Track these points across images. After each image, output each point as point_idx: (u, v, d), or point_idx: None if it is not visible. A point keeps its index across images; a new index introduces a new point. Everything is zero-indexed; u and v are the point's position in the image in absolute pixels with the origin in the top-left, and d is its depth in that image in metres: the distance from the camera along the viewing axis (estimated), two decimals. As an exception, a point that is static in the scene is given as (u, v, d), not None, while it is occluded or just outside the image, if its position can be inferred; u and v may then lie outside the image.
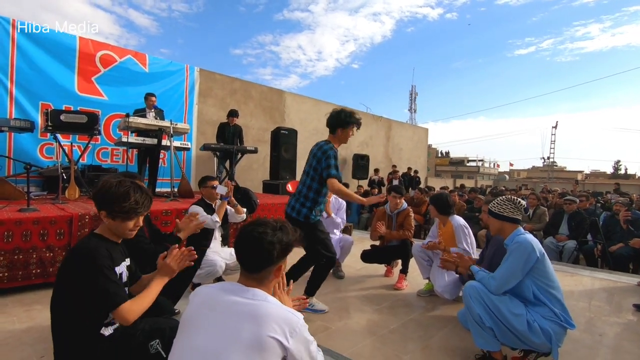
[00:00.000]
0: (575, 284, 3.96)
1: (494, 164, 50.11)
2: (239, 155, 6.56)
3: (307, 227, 2.69)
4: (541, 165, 44.41)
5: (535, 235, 5.76)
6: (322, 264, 2.77)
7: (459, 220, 3.20)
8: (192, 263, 1.66)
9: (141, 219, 1.59)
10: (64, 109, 5.63)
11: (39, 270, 3.05)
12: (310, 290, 2.81)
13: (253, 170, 8.86)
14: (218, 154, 6.55)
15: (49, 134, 4.60)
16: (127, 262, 1.64)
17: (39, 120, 5.54)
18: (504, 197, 2.20)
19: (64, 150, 4.88)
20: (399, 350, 2.31)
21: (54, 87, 5.96)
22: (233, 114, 6.67)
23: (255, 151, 6.66)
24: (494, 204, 2.18)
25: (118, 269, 1.53)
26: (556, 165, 44.34)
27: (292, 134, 7.69)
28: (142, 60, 7.01)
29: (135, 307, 1.45)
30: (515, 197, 2.18)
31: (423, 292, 3.37)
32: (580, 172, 45.24)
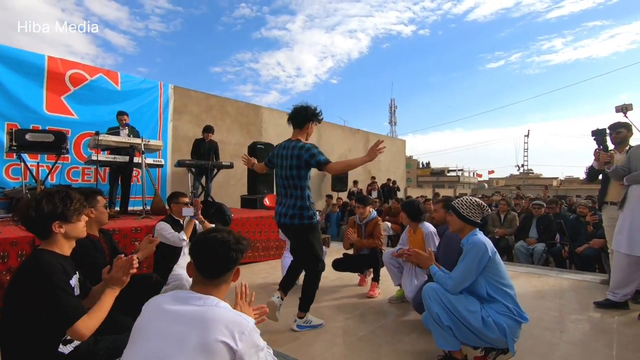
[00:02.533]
0: (542, 284, 4.09)
1: (474, 173, 51.41)
2: (215, 171, 6.53)
3: (312, 229, 2.66)
4: (518, 173, 45.87)
5: (507, 240, 5.90)
6: (315, 271, 2.73)
7: (429, 227, 3.26)
8: (136, 269, 1.64)
9: (86, 213, 1.66)
10: (31, 128, 5.51)
11: (-2, 294, 2.94)
12: (306, 306, 2.74)
13: (231, 186, 8.82)
14: (193, 170, 6.51)
15: (14, 155, 4.49)
16: (77, 274, 1.63)
17: (4, 140, 5.40)
18: (472, 199, 2.22)
19: (30, 170, 4.77)
20: (366, 356, 2.33)
21: (20, 107, 5.85)
22: (208, 129, 6.67)
23: (231, 166, 6.65)
24: (460, 204, 2.19)
25: (72, 281, 1.52)
26: (532, 173, 45.85)
27: (269, 148, 7.73)
28: (113, 78, 6.97)
29: (90, 322, 1.43)
30: (482, 202, 2.22)
31: (394, 299, 3.42)
32: (555, 178, 46.84)
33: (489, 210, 2.28)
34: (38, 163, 5.36)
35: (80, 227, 1.61)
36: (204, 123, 7.52)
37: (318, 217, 2.78)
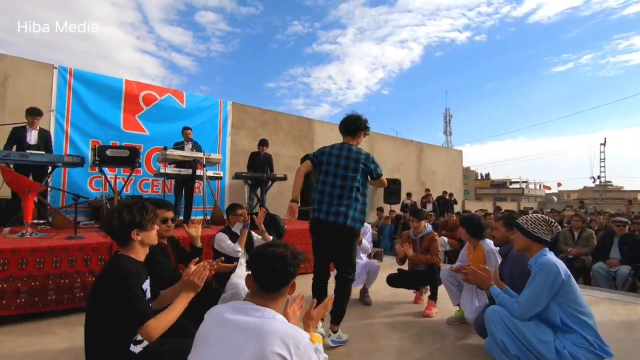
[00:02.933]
0: (629, 313, 3.60)
1: (540, 185, 47.43)
2: (269, 183, 6.76)
3: (357, 236, 2.69)
4: (593, 185, 41.41)
5: (583, 260, 5.35)
6: (349, 280, 2.72)
7: (490, 244, 3.05)
8: (212, 272, 1.77)
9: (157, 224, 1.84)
10: (110, 144, 6.16)
11: (82, 294, 3.27)
12: (339, 318, 2.67)
13: (284, 198, 9.04)
14: (249, 182, 6.80)
15: (97, 168, 5.04)
16: (148, 279, 1.76)
17: (89, 155, 6.09)
18: (539, 215, 2.11)
19: (109, 182, 5.31)
20: (423, 379, 2.21)
21: (102, 126, 6.58)
22: (263, 143, 6.95)
23: (284, 178, 6.84)
24: (526, 220, 2.07)
25: (144, 286, 1.66)
26: (611, 185, 41.10)
27: (321, 160, 7.82)
28: (179, 97, 7.57)
29: (159, 324, 1.54)
30: (551, 219, 2.08)
31: (453, 320, 3.22)
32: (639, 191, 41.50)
33: (559, 227, 2.09)
34: (115, 176, 5.94)
35: (154, 235, 1.78)
36: (259, 137, 7.84)
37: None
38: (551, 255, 1.99)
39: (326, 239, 2.71)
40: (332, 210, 2.64)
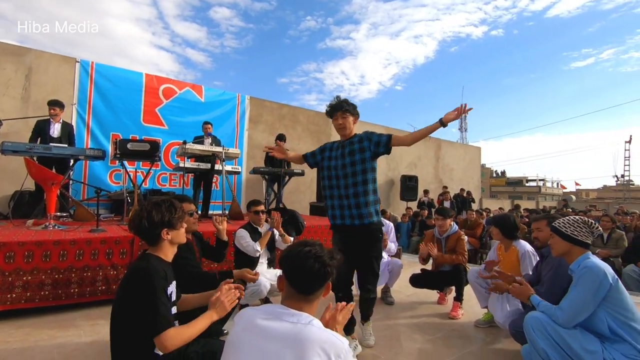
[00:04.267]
0: (667, 320, 3.42)
1: (558, 184, 46.27)
2: (287, 178, 6.70)
3: (379, 230, 2.51)
4: (614, 184, 40.12)
5: (612, 263, 5.17)
6: (369, 300, 2.61)
7: (525, 245, 2.88)
8: (241, 299, 1.71)
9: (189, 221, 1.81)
10: (130, 138, 6.19)
11: (104, 287, 3.28)
12: (369, 316, 2.65)
13: (300, 193, 9.00)
14: (267, 177, 6.75)
15: (117, 161, 5.06)
16: (175, 282, 1.71)
17: (110, 149, 6.14)
18: (577, 217, 1.99)
19: (129, 175, 5.33)
20: (455, 386, 2.12)
21: (123, 119, 6.64)
22: (281, 138, 6.88)
23: (302, 174, 6.77)
24: (563, 223, 1.96)
25: (170, 289, 1.60)
26: (633, 184, 39.76)
27: (339, 156, 7.73)
28: (198, 91, 7.57)
29: (177, 338, 1.45)
30: (590, 220, 1.96)
31: (481, 323, 3.11)
32: (664, 191, 40.00)
33: (600, 229, 1.97)
34: (135, 169, 5.97)
35: (182, 233, 1.73)
36: (277, 132, 7.79)
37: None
38: (595, 259, 1.86)
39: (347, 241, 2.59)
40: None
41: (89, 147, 6.02)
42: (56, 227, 3.74)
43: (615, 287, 1.75)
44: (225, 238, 2.91)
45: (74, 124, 5.96)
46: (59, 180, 3.85)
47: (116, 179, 6.53)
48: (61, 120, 5.17)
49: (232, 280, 1.76)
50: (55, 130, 5.08)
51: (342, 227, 2.57)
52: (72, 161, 4.73)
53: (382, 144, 2.45)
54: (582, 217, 1.99)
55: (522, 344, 2.21)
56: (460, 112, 2.26)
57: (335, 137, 2.77)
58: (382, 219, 2.64)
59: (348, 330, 2.50)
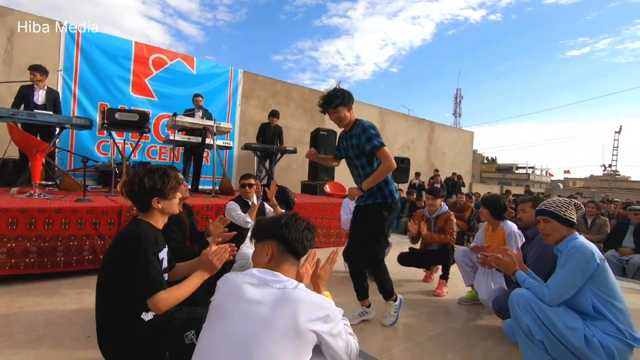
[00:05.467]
0: (642, 302, 3.54)
1: (547, 172, 46.99)
2: (279, 155, 6.64)
3: (381, 209, 2.46)
4: (601, 174, 40.89)
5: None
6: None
7: (512, 226, 2.92)
8: (232, 257, 1.69)
9: (180, 191, 1.76)
10: (119, 108, 6.04)
11: (90, 257, 3.25)
12: (390, 294, 2.59)
13: (292, 171, 8.95)
14: (258, 153, 6.68)
15: (105, 132, 4.94)
16: (167, 248, 1.68)
17: (97, 118, 5.98)
18: (563, 199, 2.00)
19: (117, 147, 5.22)
20: (437, 358, 2.17)
21: (111, 88, 6.44)
22: (274, 114, 6.78)
23: (294, 151, 6.72)
24: (558, 206, 1.94)
25: (161, 254, 1.58)
26: (619, 175, 40.57)
27: (332, 135, 7.67)
28: (190, 62, 7.35)
29: (170, 298, 1.46)
30: (575, 201, 1.98)
31: (465, 300, 3.18)
32: (648, 182, 40.95)
33: (582, 207, 1.99)
34: (124, 140, 5.84)
35: (175, 204, 1.69)
36: (270, 108, 7.66)
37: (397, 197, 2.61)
38: (583, 239, 1.88)
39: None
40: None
41: (75, 115, 5.84)
42: (41, 195, 3.66)
43: (601, 266, 1.77)
44: (211, 242, 2.61)
45: (59, 91, 5.76)
46: (43, 147, 3.75)
47: (104, 150, 6.39)
48: (46, 87, 4.99)
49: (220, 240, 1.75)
50: (40, 96, 4.91)
51: (356, 208, 2.65)
52: (57, 129, 4.60)
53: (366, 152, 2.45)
54: (565, 199, 2.00)
55: (503, 319, 2.27)
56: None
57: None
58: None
59: (362, 295, 2.61)
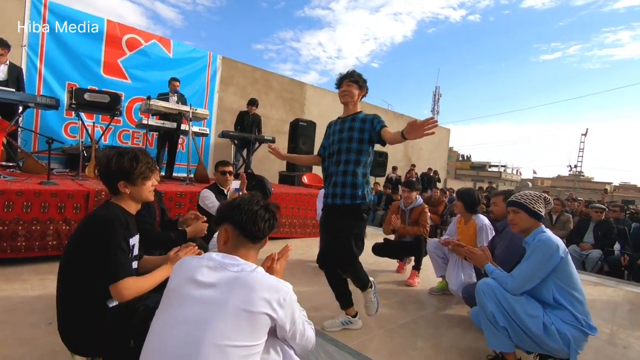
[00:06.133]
0: (599, 293, 3.76)
1: (517, 171, 48.78)
2: (257, 145, 6.56)
3: (362, 211, 2.27)
4: (567, 174, 42.91)
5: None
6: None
7: (484, 220, 2.99)
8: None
9: (155, 178, 1.63)
10: (89, 89, 5.76)
11: (54, 242, 3.11)
12: (365, 284, 2.40)
13: (270, 161, 8.85)
14: (236, 142, 6.57)
15: (73, 113, 4.70)
16: (138, 236, 1.63)
17: (65, 99, 5.68)
18: (534, 192, 2.06)
19: (86, 129, 4.98)
20: (407, 345, 2.23)
21: (80, 68, 6.12)
22: (253, 102, 6.66)
23: (272, 141, 6.64)
24: (527, 198, 2.00)
25: (132, 240, 1.52)
26: (583, 175, 42.72)
27: (311, 126, 7.64)
28: (166, 45, 7.09)
29: (134, 287, 1.42)
30: (545, 195, 2.05)
31: (435, 291, 3.27)
32: (609, 183, 43.36)
33: (551, 202, 2.07)
34: (94, 123, 5.60)
35: (145, 191, 1.59)
36: (248, 96, 7.53)
37: (371, 198, 2.40)
38: (549, 232, 1.96)
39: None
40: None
41: (41, 94, 5.53)
42: (1, 177, 3.46)
43: (565, 259, 1.85)
44: (186, 232, 2.40)
45: (23, 68, 5.42)
46: (4, 126, 3.53)
47: (72, 133, 6.09)
48: (7, 62, 4.69)
49: (187, 239, 1.70)
50: (1, 72, 4.61)
51: (329, 207, 2.37)
52: (20, 108, 4.34)
53: (375, 131, 2.27)
54: (536, 193, 2.08)
55: (471, 307, 2.34)
56: (423, 127, 1.91)
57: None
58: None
59: (345, 303, 2.38)
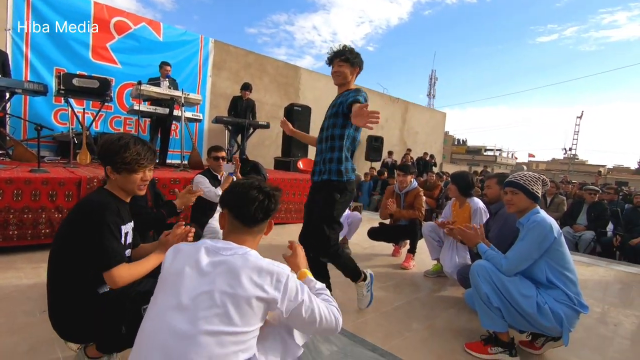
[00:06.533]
0: (591, 274, 3.82)
1: (512, 155, 49.03)
2: (251, 130, 6.48)
3: (335, 189, 2.18)
4: (562, 157, 43.17)
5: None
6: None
7: (478, 202, 2.99)
8: (192, 239, 1.63)
9: (148, 173, 1.57)
10: (78, 74, 5.62)
11: (47, 230, 3.08)
12: (357, 275, 2.37)
13: (265, 147, 8.80)
14: (230, 127, 6.49)
15: (62, 99, 4.60)
16: (132, 223, 1.60)
17: (53, 84, 5.55)
18: (532, 173, 2.05)
19: (76, 116, 4.89)
20: (402, 327, 2.25)
21: (68, 53, 5.96)
22: (246, 87, 6.55)
23: (267, 126, 6.57)
24: (526, 179, 1.98)
25: (124, 228, 1.50)
26: (577, 159, 43.01)
27: (306, 111, 7.55)
28: (156, 28, 6.91)
29: (127, 274, 1.40)
30: (543, 176, 2.04)
31: (430, 273, 3.29)
32: (603, 166, 43.76)
33: (547, 183, 2.07)
34: (84, 110, 5.47)
35: (130, 183, 1.51)
36: (242, 80, 7.40)
37: (352, 177, 2.28)
38: (543, 213, 1.96)
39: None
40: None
41: (28, 80, 5.39)
42: (-10, 165, 3.40)
43: (558, 240, 1.86)
44: (178, 205, 2.36)
45: (9, 53, 5.27)
46: (-10, 113, 3.44)
47: (62, 119, 5.98)
48: (-8, 47, 4.55)
49: (178, 215, 1.67)
50: (-15, 57, 4.48)
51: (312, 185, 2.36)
52: (7, 94, 4.23)
53: (346, 103, 2.15)
54: (533, 173, 2.07)
55: (466, 288, 2.36)
56: (367, 117, 1.80)
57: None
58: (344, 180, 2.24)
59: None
